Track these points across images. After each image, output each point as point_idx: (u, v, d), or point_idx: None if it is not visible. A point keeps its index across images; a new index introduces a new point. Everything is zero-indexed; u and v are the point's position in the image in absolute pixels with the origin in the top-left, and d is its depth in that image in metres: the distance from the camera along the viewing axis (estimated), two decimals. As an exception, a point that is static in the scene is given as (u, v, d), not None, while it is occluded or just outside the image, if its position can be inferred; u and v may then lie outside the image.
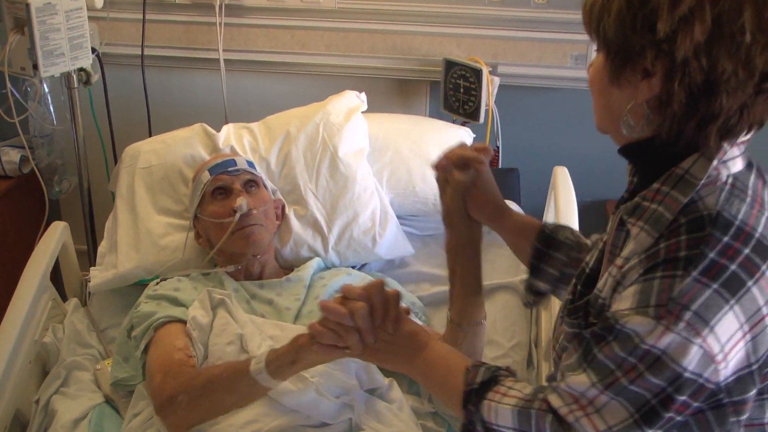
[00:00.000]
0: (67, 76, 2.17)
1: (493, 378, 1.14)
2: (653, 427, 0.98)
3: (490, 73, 2.37)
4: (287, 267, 1.92)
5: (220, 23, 2.46)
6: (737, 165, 1.04)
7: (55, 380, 1.72)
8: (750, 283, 0.96)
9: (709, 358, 0.95)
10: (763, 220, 1.00)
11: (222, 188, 1.84)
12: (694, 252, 0.97)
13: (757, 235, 0.98)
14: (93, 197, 2.37)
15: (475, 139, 2.27)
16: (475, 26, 2.43)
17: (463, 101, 2.40)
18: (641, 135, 1.05)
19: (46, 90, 2.38)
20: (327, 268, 1.95)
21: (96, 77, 2.26)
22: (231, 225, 1.76)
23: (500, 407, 1.09)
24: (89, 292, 1.98)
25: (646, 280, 0.99)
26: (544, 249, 1.40)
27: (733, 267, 0.96)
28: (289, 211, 1.97)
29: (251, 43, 2.54)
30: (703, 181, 1.01)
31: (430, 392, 1.27)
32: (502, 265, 2.03)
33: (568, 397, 1.03)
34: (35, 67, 2.04)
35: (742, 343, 0.96)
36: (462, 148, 1.42)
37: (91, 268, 2.00)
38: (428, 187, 2.08)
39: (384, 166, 2.10)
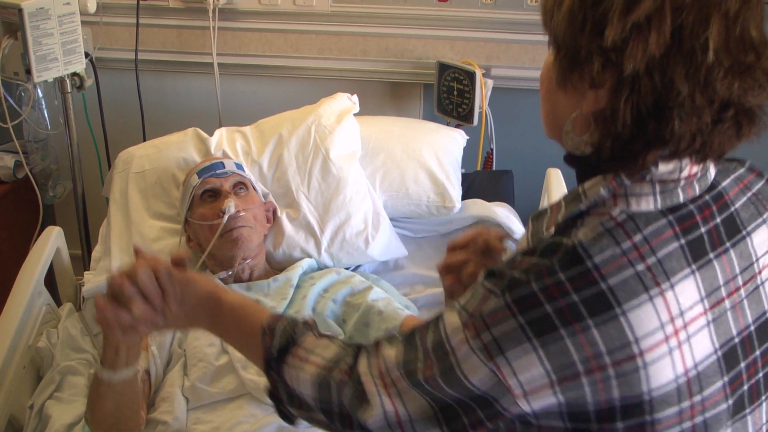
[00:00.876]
0: (60, 80, 2.17)
1: (291, 339, 1.06)
2: (452, 428, 0.91)
3: (484, 75, 2.37)
4: (279, 269, 1.92)
5: (213, 27, 2.46)
6: (643, 203, 0.90)
7: (49, 385, 1.72)
8: (563, 331, 0.84)
9: (504, 387, 0.86)
10: (628, 273, 0.85)
11: (210, 191, 1.84)
12: (521, 277, 0.86)
13: (602, 285, 0.85)
14: (87, 202, 2.37)
15: (468, 141, 2.28)
16: (469, 29, 2.43)
17: (457, 104, 2.40)
18: (583, 150, 0.93)
19: (40, 95, 2.38)
20: (319, 268, 1.95)
21: (89, 82, 2.26)
22: (219, 227, 1.76)
23: (301, 375, 1.02)
24: (83, 297, 1.98)
25: (480, 283, 0.91)
26: None
27: (547, 308, 0.84)
28: (282, 214, 1.97)
29: (245, 46, 2.54)
30: (588, 205, 0.90)
31: (241, 353, 1.18)
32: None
33: (375, 368, 0.96)
34: (28, 72, 2.03)
35: (549, 391, 0.86)
36: (480, 238, 1.25)
37: (85, 272, 2.00)
38: (421, 189, 2.09)
39: (377, 169, 2.10)
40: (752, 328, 0.94)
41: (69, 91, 2.20)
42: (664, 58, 0.83)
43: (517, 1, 2.38)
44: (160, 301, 1.16)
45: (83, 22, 2.15)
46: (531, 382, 0.85)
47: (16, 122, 2.27)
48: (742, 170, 1.01)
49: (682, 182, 0.92)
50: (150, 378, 1.63)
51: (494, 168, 2.52)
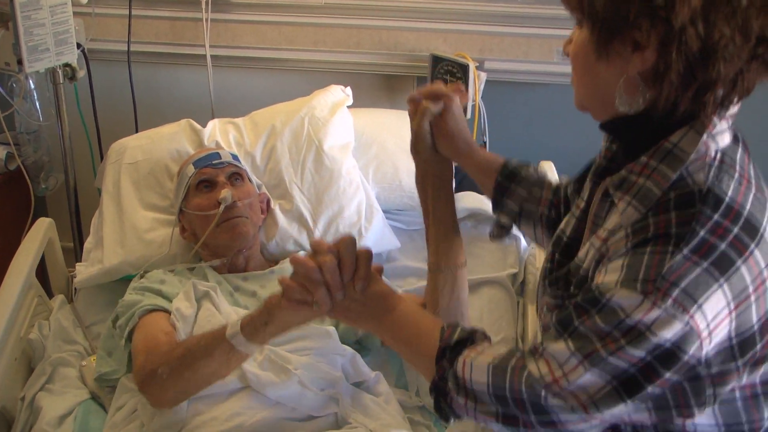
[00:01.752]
0: (52, 71, 2.16)
1: (470, 338, 1.12)
2: (634, 397, 0.96)
3: (477, 68, 2.37)
4: (273, 261, 1.92)
5: (206, 19, 2.45)
6: (725, 139, 1.02)
7: (40, 377, 1.72)
8: (739, 262, 0.95)
9: (695, 334, 0.93)
10: (751, 196, 0.99)
11: (207, 181, 1.84)
12: (685, 229, 0.95)
13: (745, 213, 0.97)
14: (79, 194, 2.36)
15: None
16: (462, 21, 2.43)
17: (450, 96, 2.40)
18: (637, 109, 1.02)
19: (32, 86, 2.37)
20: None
21: (82, 73, 2.24)
22: (216, 217, 1.76)
23: (476, 362, 1.07)
24: (75, 289, 1.97)
25: (635, 254, 0.97)
26: (506, 183, 1.41)
27: (723, 246, 0.95)
28: (275, 206, 1.97)
29: (238, 38, 2.53)
30: (692, 156, 0.99)
31: (398, 352, 1.22)
32: (488, 260, 2.04)
33: (545, 365, 1.01)
34: (20, 62, 2.02)
35: (727, 321, 0.95)
36: (436, 84, 1.41)
37: (77, 264, 2.00)
38: (414, 181, 2.08)
39: (370, 161, 2.10)
40: None
41: (61, 82, 2.19)
42: (704, 8, 0.92)
43: (511, -6, 2.37)
44: (350, 274, 1.20)
45: (75, 13, 2.14)
46: (716, 318, 0.94)
47: (7, 113, 2.26)
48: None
49: (731, 121, 1.04)
50: None
51: (487, 161, 2.52)
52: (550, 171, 2.09)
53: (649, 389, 0.95)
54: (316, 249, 1.21)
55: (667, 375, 0.94)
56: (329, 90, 2.13)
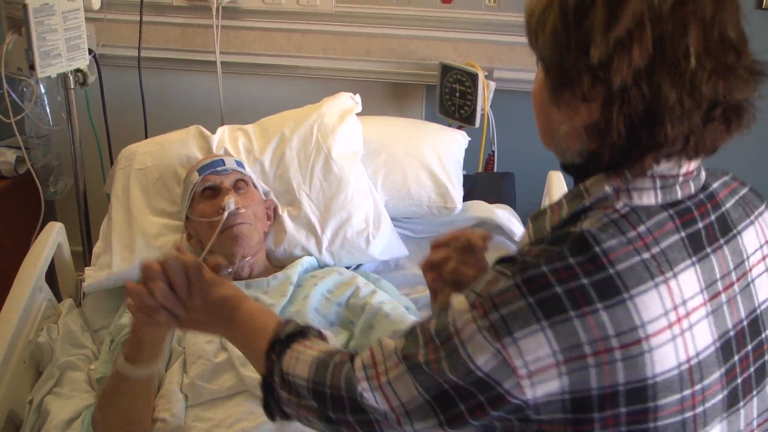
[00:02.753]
0: (63, 77, 2.17)
1: (303, 332, 1.10)
2: (451, 421, 0.90)
3: (486, 77, 2.37)
4: (280, 267, 1.92)
5: (216, 26, 2.46)
6: (644, 198, 0.93)
7: (48, 380, 1.72)
8: (572, 313, 0.86)
9: (509, 368, 0.86)
10: (634, 260, 0.89)
11: (211, 188, 1.85)
12: (532, 260, 0.89)
13: (611, 271, 0.87)
14: (89, 198, 2.37)
15: (470, 142, 2.28)
16: (471, 31, 2.43)
17: (459, 105, 2.41)
18: (573, 161, 0.97)
19: (43, 91, 2.39)
20: (320, 267, 1.95)
21: (93, 78, 2.26)
22: (219, 223, 1.76)
23: (300, 357, 1.04)
24: (83, 293, 1.98)
25: (490, 268, 0.93)
26: None
27: (558, 289, 0.86)
28: (283, 212, 1.98)
29: (248, 45, 2.55)
30: (591, 201, 0.93)
31: (246, 356, 1.20)
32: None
33: (369, 356, 0.97)
34: (32, 67, 2.03)
35: (554, 371, 0.86)
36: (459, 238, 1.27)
37: (86, 268, 2.00)
38: (423, 189, 2.09)
39: (379, 169, 2.10)
40: (745, 323, 0.97)
41: (72, 87, 2.21)
42: (649, 69, 0.86)
43: (521, 4, 2.34)
44: (185, 291, 1.21)
45: (87, 19, 2.15)
46: (537, 362, 0.86)
47: (18, 118, 2.27)
48: (727, 178, 1.05)
49: (681, 179, 0.95)
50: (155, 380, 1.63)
51: (496, 170, 2.52)
52: (559, 181, 2.09)
53: (463, 409, 0.89)
54: (146, 274, 1.22)
55: (479, 399, 0.88)
56: (338, 97, 2.14)
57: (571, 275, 0.87)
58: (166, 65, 2.60)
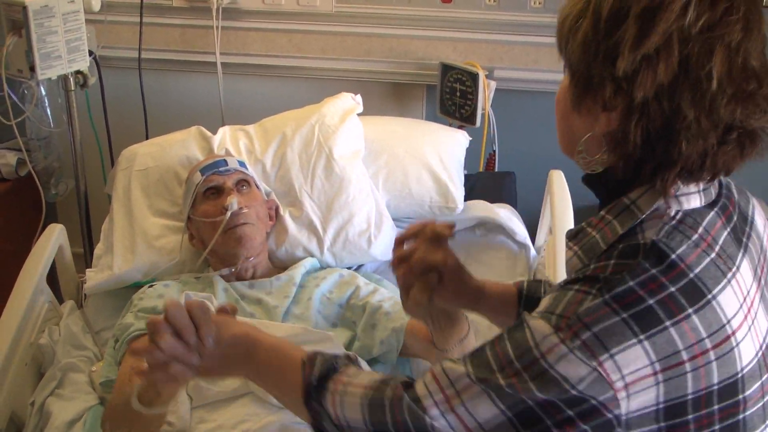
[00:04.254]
0: (64, 78, 2.17)
1: (332, 368, 1.06)
2: None
3: (487, 77, 2.37)
4: (282, 268, 1.92)
5: (217, 27, 2.46)
6: (692, 201, 0.97)
7: (50, 382, 1.72)
8: (668, 323, 0.88)
9: (605, 384, 0.86)
10: (706, 261, 0.92)
11: (213, 188, 1.85)
12: (616, 277, 0.90)
13: (691, 275, 0.90)
14: (90, 200, 2.37)
15: (471, 142, 2.28)
16: (472, 30, 2.43)
17: (460, 105, 2.41)
18: (594, 169, 0.99)
19: (44, 92, 2.38)
20: (322, 268, 1.95)
21: (93, 80, 2.26)
22: (222, 223, 1.76)
23: (346, 399, 1.01)
24: (85, 294, 1.98)
25: (563, 290, 0.93)
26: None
27: (650, 301, 0.88)
28: (285, 213, 1.98)
29: (248, 46, 2.55)
30: (647, 214, 0.95)
31: (274, 397, 1.17)
32: (497, 269, 2.04)
33: (433, 381, 0.94)
34: (32, 69, 2.03)
35: (651, 381, 0.87)
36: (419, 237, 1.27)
37: (87, 270, 2.00)
38: (424, 189, 2.09)
39: (380, 169, 2.10)
40: None
41: (72, 89, 2.21)
42: (671, 86, 0.88)
43: (521, 3, 2.38)
44: (193, 336, 1.14)
45: (87, 21, 2.15)
46: (634, 374, 0.87)
47: (19, 120, 2.27)
48: (725, 191, 1.07)
49: (703, 185, 0.99)
50: None
51: (497, 169, 2.52)
52: (560, 180, 2.09)
53: (549, 423, 0.88)
54: (151, 330, 1.14)
55: (568, 413, 0.87)
56: (339, 98, 2.14)
57: (659, 286, 0.89)
58: (166, 66, 2.60)
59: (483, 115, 2.40)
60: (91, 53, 2.21)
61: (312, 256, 1.95)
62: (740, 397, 0.91)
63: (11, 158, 2.56)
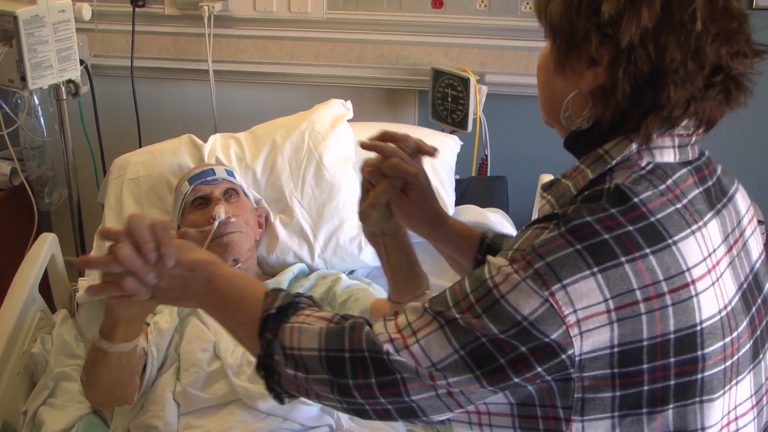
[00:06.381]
0: (55, 88, 2.18)
1: (294, 303, 1.04)
2: (489, 376, 0.88)
3: (478, 82, 2.38)
4: (272, 274, 1.93)
5: (209, 34, 2.47)
6: (665, 155, 0.97)
7: (42, 391, 1.72)
8: (623, 258, 0.87)
9: (557, 316, 0.85)
10: (670, 210, 0.92)
11: (201, 198, 1.85)
12: (574, 214, 0.90)
13: (652, 219, 0.90)
14: (83, 208, 2.38)
15: (463, 147, 2.29)
16: (463, 35, 2.44)
17: (452, 110, 2.41)
18: (579, 126, 1.00)
19: (36, 102, 2.39)
20: (310, 272, 1.95)
21: (85, 89, 2.26)
22: (210, 233, 1.77)
23: (305, 327, 0.99)
24: (77, 303, 1.98)
25: (524, 230, 0.95)
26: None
27: (606, 236, 0.88)
28: (275, 220, 1.98)
29: (240, 53, 2.55)
30: (617, 161, 0.95)
31: (228, 332, 1.11)
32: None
33: (393, 323, 0.95)
34: (23, 79, 2.04)
35: (604, 318, 0.86)
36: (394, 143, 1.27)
37: (80, 279, 2.01)
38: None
39: (371, 175, 2.10)
40: (750, 278, 1.02)
41: (64, 98, 2.21)
42: (656, 29, 0.90)
43: (512, 8, 2.39)
44: (153, 252, 1.09)
45: (78, 30, 2.16)
46: (586, 309, 0.86)
47: (11, 129, 2.28)
48: (705, 158, 1.08)
49: (693, 139, 1.00)
50: (147, 359, 1.62)
51: (489, 174, 2.53)
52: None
53: (503, 362, 0.87)
54: (107, 238, 1.10)
55: (522, 350, 0.86)
56: (329, 104, 2.14)
57: (616, 223, 0.89)
58: (158, 74, 2.60)
59: (474, 120, 2.40)
60: (82, 62, 2.21)
61: (302, 262, 1.96)
62: (698, 353, 0.90)
63: (5, 168, 2.57)
